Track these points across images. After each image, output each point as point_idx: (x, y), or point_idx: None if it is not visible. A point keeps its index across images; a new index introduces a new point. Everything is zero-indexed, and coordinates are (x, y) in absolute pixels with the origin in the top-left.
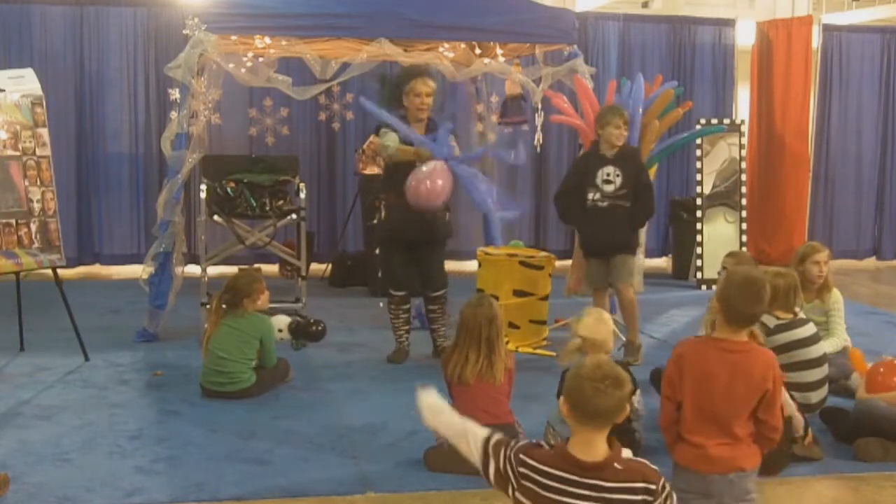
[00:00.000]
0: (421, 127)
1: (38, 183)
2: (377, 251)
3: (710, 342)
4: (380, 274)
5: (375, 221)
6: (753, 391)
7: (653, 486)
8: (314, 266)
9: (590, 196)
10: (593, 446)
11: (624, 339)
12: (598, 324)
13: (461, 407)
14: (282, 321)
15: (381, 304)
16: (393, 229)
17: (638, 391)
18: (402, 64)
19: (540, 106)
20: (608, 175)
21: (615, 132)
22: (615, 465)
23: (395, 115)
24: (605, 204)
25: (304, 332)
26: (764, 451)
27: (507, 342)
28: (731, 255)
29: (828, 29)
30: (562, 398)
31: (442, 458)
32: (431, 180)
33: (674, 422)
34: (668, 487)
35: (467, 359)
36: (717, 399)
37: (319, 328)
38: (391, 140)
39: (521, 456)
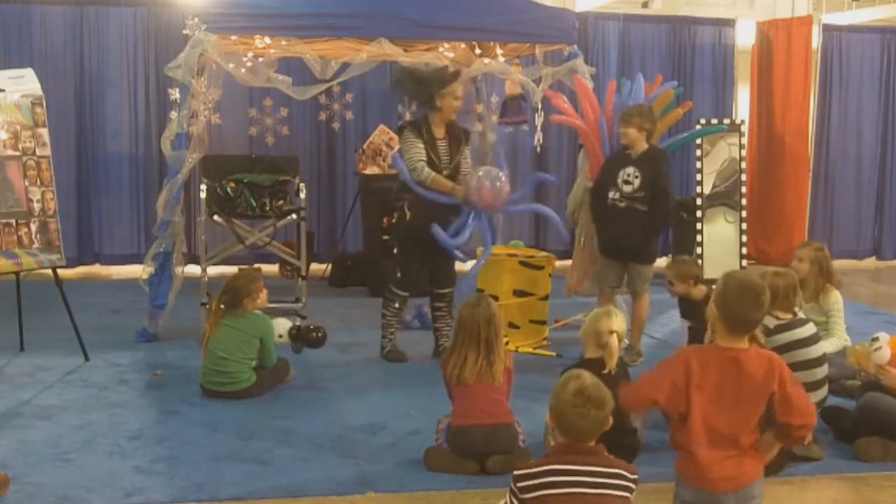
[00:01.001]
0: (443, 129)
1: (38, 183)
2: (395, 250)
3: (712, 350)
4: (399, 273)
5: (395, 220)
6: (760, 396)
7: (635, 477)
8: (314, 266)
9: (610, 195)
10: (585, 443)
11: (627, 342)
12: (597, 320)
13: (461, 408)
14: (282, 326)
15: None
16: (418, 228)
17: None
18: (400, 63)
19: (540, 106)
20: (628, 175)
21: (619, 131)
22: (605, 452)
23: (420, 114)
24: (622, 204)
25: (304, 339)
26: (794, 444)
27: (507, 342)
28: (675, 261)
29: (828, 29)
30: (549, 414)
31: (442, 459)
32: (500, 181)
33: (675, 430)
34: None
35: (466, 359)
36: (725, 408)
37: (319, 335)
38: (421, 158)
39: (516, 473)
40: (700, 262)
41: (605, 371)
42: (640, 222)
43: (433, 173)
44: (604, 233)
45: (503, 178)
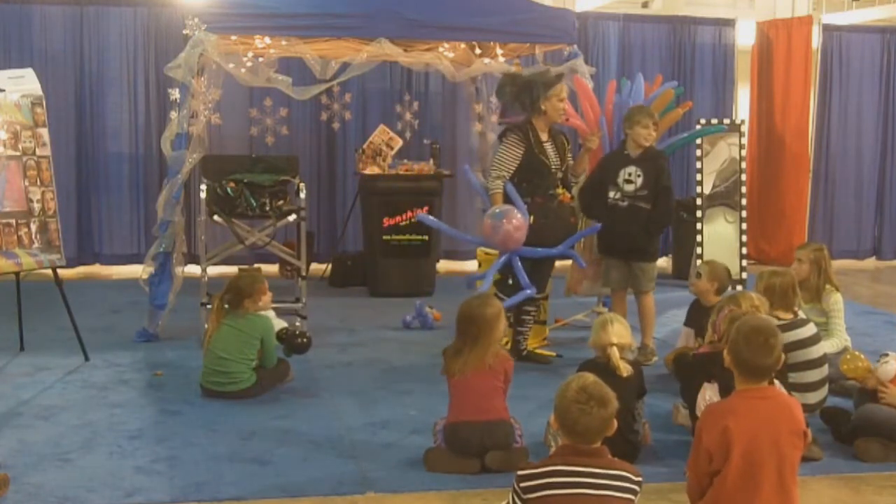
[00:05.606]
0: (547, 133)
1: (38, 183)
2: None
3: (740, 398)
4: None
5: None
6: (798, 432)
7: (639, 479)
8: (314, 266)
9: (611, 195)
10: (588, 444)
11: (637, 345)
12: (597, 332)
13: (456, 404)
14: (275, 325)
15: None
16: (538, 232)
17: (644, 398)
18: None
19: None
20: (629, 175)
21: (643, 132)
22: (609, 455)
23: (524, 120)
24: (625, 203)
25: (288, 342)
26: None
27: (507, 343)
28: (713, 262)
29: (828, 29)
30: (552, 415)
31: (441, 459)
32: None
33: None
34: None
35: (458, 351)
36: (768, 449)
37: (304, 341)
38: (505, 171)
39: (519, 473)
40: (700, 262)
41: (618, 373)
42: (644, 220)
43: (500, 189)
44: (606, 233)
45: (517, 219)
